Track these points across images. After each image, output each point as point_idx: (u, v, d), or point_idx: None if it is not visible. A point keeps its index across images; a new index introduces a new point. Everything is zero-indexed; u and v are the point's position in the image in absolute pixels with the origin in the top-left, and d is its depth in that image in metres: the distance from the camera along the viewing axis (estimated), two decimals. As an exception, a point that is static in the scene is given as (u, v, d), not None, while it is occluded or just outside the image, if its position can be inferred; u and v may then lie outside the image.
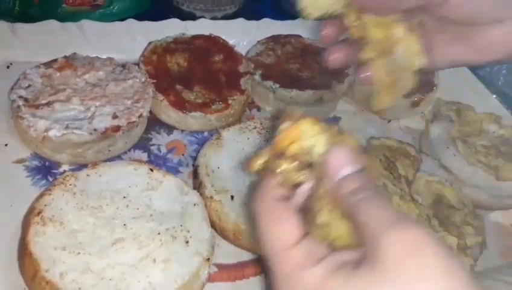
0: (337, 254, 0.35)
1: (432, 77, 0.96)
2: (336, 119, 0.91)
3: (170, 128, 0.80)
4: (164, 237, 0.55)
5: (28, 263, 0.51)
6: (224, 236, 0.63)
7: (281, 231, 0.36)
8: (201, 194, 0.62)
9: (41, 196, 0.57)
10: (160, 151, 0.77)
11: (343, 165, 0.36)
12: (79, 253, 0.52)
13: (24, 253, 0.52)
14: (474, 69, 1.03)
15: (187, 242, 0.55)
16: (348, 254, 0.34)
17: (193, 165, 0.74)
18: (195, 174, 0.68)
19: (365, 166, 0.36)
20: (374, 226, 0.32)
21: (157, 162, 0.74)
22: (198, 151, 0.76)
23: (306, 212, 0.37)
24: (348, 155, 0.36)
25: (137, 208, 0.58)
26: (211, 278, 0.60)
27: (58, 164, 0.70)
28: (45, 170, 0.69)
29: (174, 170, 0.74)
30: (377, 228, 0.31)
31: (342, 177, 0.36)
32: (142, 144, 0.77)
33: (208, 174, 0.65)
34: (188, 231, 0.56)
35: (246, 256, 0.65)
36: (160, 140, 0.78)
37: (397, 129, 0.92)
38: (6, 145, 0.71)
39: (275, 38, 0.94)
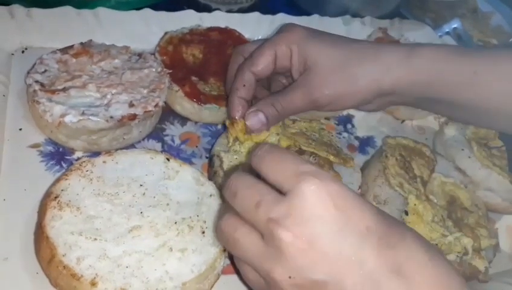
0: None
1: (446, 78, 0.95)
2: (349, 117, 0.90)
3: (184, 120, 0.80)
4: (181, 227, 0.55)
5: (44, 247, 0.50)
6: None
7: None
8: (215, 183, 0.62)
9: (57, 180, 0.57)
10: (174, 142, 0.76)
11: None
12: (95, 239, 0.51)
13: (41, 237, 0.51)
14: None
15: (203, 232, 0.55)
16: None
17: (207, 157, 0.74)
18: (210, 163, 0.68)
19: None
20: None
21: (170, 152, 0.74)
22: (211, 144, 0.76)
23: None
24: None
25: (154, 197, 0.57)
26: (223, 271, 0.59)
27: (72, 151, 0.70)
28: (59, 156, 0.69)
29: (187, 161, 0.73)
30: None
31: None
32: (156, 134, 0.76)
33: (222, 164, 0.64)
34: (205, 222, 0.56)
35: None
36: (174, 131, 0.78)
37: (410, 129, 0.92)
38: (20, 129, 0.70)
39: (290, 33, 0.93)
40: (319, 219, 0.40)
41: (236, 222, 0.45)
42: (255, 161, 0.46)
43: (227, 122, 0.70)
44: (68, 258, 0.49)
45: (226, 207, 0.48)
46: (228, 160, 0.63)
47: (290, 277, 0.41)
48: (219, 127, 0.81)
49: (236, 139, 0.67)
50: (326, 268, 0.40)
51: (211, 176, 0.66)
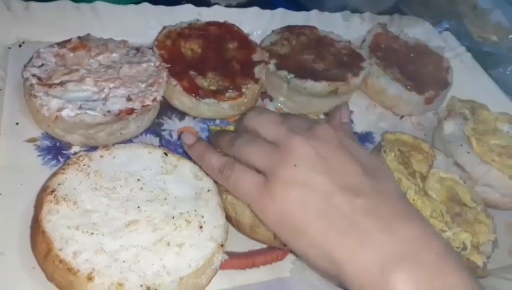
0: None
1: (446, 74, 0.95)
2: (348, 113, 0.90)
3: (182, 115, 0.79)
4: (178, 221, 0.54)
5: (41, 241, 0.50)
6: (241, 230, 0.62)
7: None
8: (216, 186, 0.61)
9: (54, 174, 0.56)
10: (171, 137, 0.76)
11: None
12: (92, 233, 0.51)
13: (37, 231, 0.51)
14: (488, 69, 1.03)
15: (201, 227, 0.55)
16: None
17: (205, 152, 0.73)
18: None
19: None
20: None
21: (168, 147, 0.73)
22: (209, 139, 0.75)
23: None
24: None
25: (152, 191, 0.57)
26: (221, 266, 0.59)
27: (69, 145, 0.69)
28: (56, 151, 0.68)
29: (185, 156, 0.72)
30: None
31: None
32: (154, 128, 0.76)
33: None
34: (202, 217, 0.56)
35: (257, 245, 0.64)
36: (172, 126, 0.78)
37: (409, 125, 0.92)
38: (17, 124, 0.70)
39: (289, 29, 0.93)
40: (302, 158, 0.52)
41: (254, 137, 0.58)
42: (247, 119, 0.61)
43: (215, 129, 0.70)
44: (64, 253, 0.48)
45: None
46: None
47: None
48: (217, 122, 0.80)
49: None
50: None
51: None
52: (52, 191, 0.53)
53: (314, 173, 0.50)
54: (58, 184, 0.54)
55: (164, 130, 0.77)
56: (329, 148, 0.53)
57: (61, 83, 0.69)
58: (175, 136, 0.76)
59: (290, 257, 0.64)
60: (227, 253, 0.62)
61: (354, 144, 0.56)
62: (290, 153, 0.52)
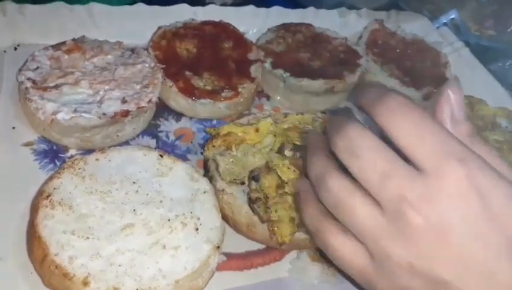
0: None
1: (444, 70, 0.95)
2: (346, 111, 0.90)
3: (178, 115, 0.79)
4: (174, 224, 0.54)
5: (36, 246, 0.50)
6: (237, 229, 0.62)
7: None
8: (213, 187, 0.61)
9: (50, 179, 0.56)
10: (168, 138, 0.76)
11: None
12: (88, 238, 0.51)
13: (33, 236, 0.51)
14: (486, 63, 1.02)
15: (197, 229, 0.55)
16: None
17: (201, 154, 0.73)
18: (205, 167, 0.67)
19: None
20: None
21: (165, 149, 0.73)
22: (206, 139, 0.75)
23: None
24: None
25: (147, 194, 0.57)
26: (219, 267, 0.59)
27: (65, 148, 0.69)
28: (53, 154, 0.68)
29: (182, 158, 0.73)
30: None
31: None
32: (150, 130, 0.76)
33: (218, 167, 0.63)
34: (198, 218, 0.56)
35: (255, 245, 0.64)
36: (169, 127, 0.77)
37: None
38: (14, 128, 0.70)
39: (285, 27, 0.93)
40: (458, 213, 0.35)
41: (351, 187, 0.39)
42: (382, 113, 0.38)
43: (210, 131, 0.70)
44: (60, 258, 0.48)
45: (327, 158, 0.42)
46: (224, 163, 0.62)
47: (409, 262, 0.37)
48: (214, 122, 0.80)
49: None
50: (452, 269, 0.35)
51: (208, 179, 0.64)
52: (48, 196, 0.53)
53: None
54: (54, 189, 0.54)
55: (161, 131, 0.76)
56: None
57: (56, 86, 0.69)
58: (172, 137, 0.76)
59: (288, 257, 0.64)
60: (225, 254, 0.62)
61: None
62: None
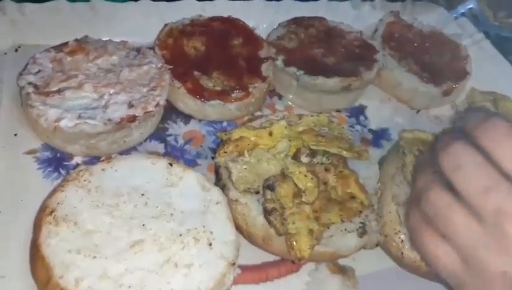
0: None
1: (464, 64, 0.90)
2: (361, 109, 0.86)
3: (187, 118, 0.75)
4: (186, 239, 0.51)
5: (40, 267, 0.47)
6: (252, 241, 0.59)
7: None
8: (226, 196, 0.58)
9: (53, 192, 0.53)
10: (177, 142, 0.72)
11: None
12: (95, 257, 0.48)
13: (36, 256, 0.48)
14: (508, 55, 0.97)
15: (210, 244, 0.51)
16: None
17: (212, 158, 0.70)
18: (217, 174, 0.64)
19: None
20: None
21: (174, 154, 0.70)
22: (217, 143, 0.72)
23: None
24: None
25: (157, 207, 0.54)
26: (234, 281, 0.56)
27: (70, 156, 0.66)
28: (57, 162, 0.65)
29: (192, 163, 0.70)
30: None
31: None
32: (158, 134, 0.72)
33: (231, 176, 0.60)
34: (211, 233, 0.52)
35: (270, 256, 0.61)
36: (177, 130, 0.74)
37: (426, 119, 0.87)
38: (16, 135, 0.67)
39: (297, 21, 0.88)
40: None
41: (450, 199, 0.45)
42: (487, 136, 0.43)
43: (221, 136, 0.66)
44: (66, 280, 0.45)
45: (432, 175, 0.47)
46: (237, 171, 0.59)
47: (503, 271, 0.41)
48: (224, 124, 0.76)
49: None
50: None
51: (220, 186, 0.61)
52: (51, 212, 0.50)
53: None
54: (57, 203, 0.51)
55: (169, 135, 0.73)
56: None
57: (59, 91, 0.66)
58: (181, 141, 0.73)
59: (305, 269, 0.60)
60: (240, 266, 0.59)
61: None
62: None
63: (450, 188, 0.45)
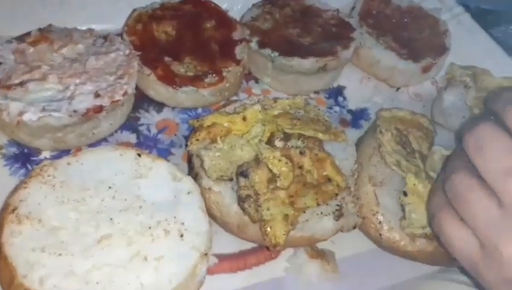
0: None
1: (443, 39, 0.88)
2: (340, 89, 0.84)
3: (160, 106, 0.73)
4: (156, 232, 0.49)
5: (3, 267, 0.45)
6: (228, 230, 0.57)
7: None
8: (199, 186, 0.56)
9: (16, 190, 0.51)
10: (150, 132, 0.70)
11: None
12: (60, 254, 0.46)
13: (-1, 256, 0.46)
14: (488, 28, 0.95)
15: (182, 236, 0.50)
16: None
17: (186, 146, 0.68)
18: (189, 163, 0.62)
19: None
20: None
21: (147, 143, 0.68)
22: (191, 130, 0.70)
23: None
24: None
25: (125, 199, 0.52)
26: (210, 271, 0.55)
27: (37, 151, 0.64)
28: (24, 158, 0.63)
29: (166, 152, 0.68)
30: None
31: None
32: (130, 124, 0.70)
33: (203, 164, 0.58)
34: (183, 223, 0.51)
35: (248, 243, 0.60)
36: (150, 119, 0.72)
37: (407, 97, 0.86)
38: (-21, 131, 0.64)
39: (272, 1, 0.85)
40: None
41: (472, 182, 0.44)
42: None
43: (193, 123, 0.64)
44: (30, 280, 0.44)
45: (458, 158, 0.47)
46: (210, 159, 0.57)
47: None
48: (199, 111, 0.74)
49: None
50: None
51: (192, 175, 0.59)
52: (14, 210, 0.48)
53: None
54: (20, 201, 0.49)
55: (141, 124, 0.71)
56: None
57: (22, 83, 0.63)
58: (154, 131, 0.71)
59: (284, 255, 0.59)
60: (216, 255, 0.58)
61: None
62: None
63: (475, 171, 0.44)
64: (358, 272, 0.59)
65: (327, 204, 0.56)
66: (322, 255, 0.58)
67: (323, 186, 0.57)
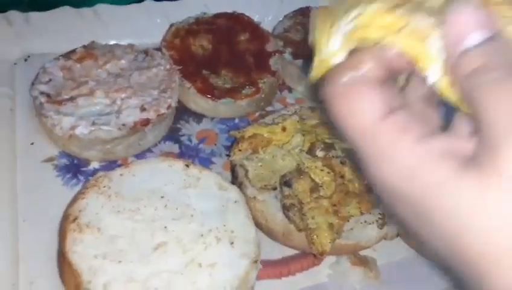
0: (444, 137, 0.28)
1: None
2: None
3: (199, 117, 0.76)
4: (208, 239, 0.52)
5: (68, 273, 0.48)
6: (273, 237, 0.59)
7: (364, 106, 0.29)
8: (243, 194, 0.58)
9: (74, 200, 0.54)
10: (191, 142, 0.73)
11: (468, 30, 0.27)
12: (120, 261, 0.49)
13: (63, 263, 0.49)
14: None
15: (232, 243, 0.52)
16: (458, 140, 0.28)
17: (227, 156, 0.70)
18: (233, 173, 0.64)
19: (497, 32, 0.27)
20: (495, 124, 0.25)
21: (189, 153, 0.71)
22: (231, 141, 0.72)
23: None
24: (476, 15, 0.27)
25: (177, 208, 0.54)
26: (258, 276, 0.57)
27: (87, 161, 0.67)
28: (75, 169, 0.66)
29: (207, 161, 0.70)
30: (498, 129, 0.25)
31: (463, 51, 0.27)
32: (172, 135, 0.73)
33: (247, 174, 0.60)
34: (232, 231, 0.53)
35: (290, 251, 0.62)
36: (190, 130, 0.74)
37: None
38: (32, 144, 0.68)
39: (303, 11, 0.87)
40: None
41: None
42: None
43: (235, 134, 0.66)
44: (94, 285, 0.46)
45: None
46: (253, 169, 0.59)
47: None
48: (236, 120, 0.76)
49: None
50: None
51: (236, 184, 0.61)
52: (74, 219, 0.51)
53: None
54: (79, 211, 0.52)
55: (182, 135, 0.73)
56: None
57: (72, 98, 0.66)
58: (194, 141, 0.73)
59: (327, 262, 0.61)
60: (261, 262, 0.59)
61: None
62: None
63: None
64: (400, 279, 0.60)
65: (370, 213, 0.58)
66: (364, 263, 0.60)
67: (365, 196, 0.58)
